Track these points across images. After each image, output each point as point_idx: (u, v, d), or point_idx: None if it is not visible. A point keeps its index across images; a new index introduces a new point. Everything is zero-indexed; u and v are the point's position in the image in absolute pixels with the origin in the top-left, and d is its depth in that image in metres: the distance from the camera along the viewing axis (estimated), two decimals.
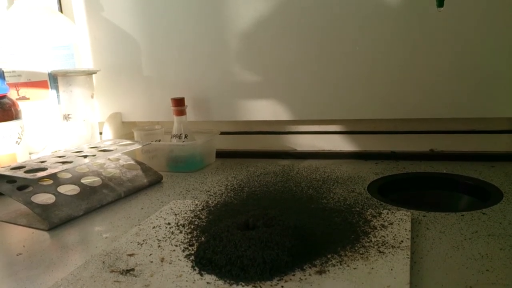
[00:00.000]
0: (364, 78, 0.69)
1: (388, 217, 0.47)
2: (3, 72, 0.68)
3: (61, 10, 0.85)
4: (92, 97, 0.76)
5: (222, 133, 0.79)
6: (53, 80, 0.76)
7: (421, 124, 0.72)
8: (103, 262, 0.42)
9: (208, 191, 0.62)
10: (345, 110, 0.71)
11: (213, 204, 0.55)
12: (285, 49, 0.71)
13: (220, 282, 0.37)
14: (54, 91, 0.76)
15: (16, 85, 0.75)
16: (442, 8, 0.54)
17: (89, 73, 0.75)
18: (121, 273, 0.40)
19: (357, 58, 0.69)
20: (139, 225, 0.50)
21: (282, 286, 0.36)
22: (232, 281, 0.37)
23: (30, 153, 0.73)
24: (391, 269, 0.37)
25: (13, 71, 0.75)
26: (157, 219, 0.51)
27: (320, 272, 0.37)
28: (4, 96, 0.68)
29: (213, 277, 0.38)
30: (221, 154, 0.79)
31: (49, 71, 0.75)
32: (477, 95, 0.65)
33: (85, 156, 0.63)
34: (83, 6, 0.80)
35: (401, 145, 0.73)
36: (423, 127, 0.72)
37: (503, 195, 0.54)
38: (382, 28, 0.67)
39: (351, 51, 0.69)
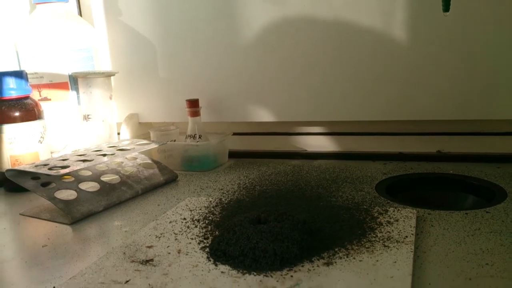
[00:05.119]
0: (373, 81, 0.71)
1: (394, 214, 0.49)
2: (26, 74, 0.71)
3: (80, 14, 0.88)
4: (110, 98, 0.79)
5: (235, 134, 0.82)
6: (73, 81, 0.79)
7: (429, 126, 0.74)
8: (124, 253, 0.45)
9: (222, 189, 0.64)
10: (354, 111, 0.73)
11: (226, 201, 0.58)
12: (297, 52, 0.74)
13: (234, 272, 0.39)
14: (74, 93, 0.80)
15: (38, 87, 0.78)
16: (448, 13, 0.55)
17: (108, 75, 0.79)
18: (141, 263, 0.42)
19: (367, 62, 0.71)
20: (157, 220, 0.53)
21: (292, 276, 0.38)
22: (245, 271, 0.39)
23: (51, 152, 0.76)
24: (395, 262, 0.39)
25: (36, 73, 0.78)
26: (173, 214, 0.54)
27: (327, 264, 0.40)
28: (27, 97, 0.71)
29: (227, 267, 0.40)
30: (234, 154, 0.81)
31: (70, 73, 0.79)
32: (484, 97, 0.67)
33: (104, 155, 0.66)
34: (102, 11, 0.83)
35: (409, 147, 0.75)
36: (431, 128, 0.74)
37: (507, 194, 0.55)
38: (391, 32, 0.68)
39: (361, 54, 0.71)
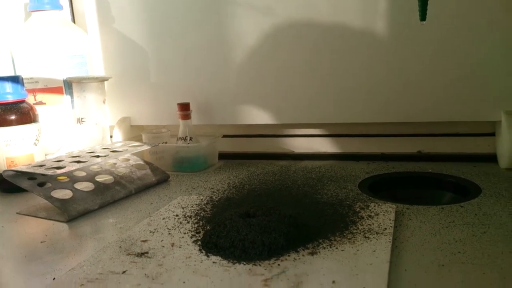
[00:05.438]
0: (357, 86, 0.74)
1: (374, 209, 0.52)
2: (22, 79, 0.73)
3: (74, 22, 0.90)
4: (104, 102, 0.81)
5: (225, 136, 0.85)
6: (67, 86, 0.81)
7: (410, 128, 0.77)
8: (120, 247, 0.47)
9: (212, 188, 0.67)
10: (339, 114, 0.76)
11: (216, 199, 0.60)
12: (284, 58, 0.77)
13: (225, 262, 0.42)
14: (68, 97, 0.82)
15: (33, 91, 0.80)
16: (424, 22, 0.58)
17: (102, 80, 0.81)
18: (137, 255, 0.45)
19: (351, 67, 0.74)
20: (150, 216, 0.55)
21: (279, 265, 0.41)
22: (235, 261, 0.42)
23: (46, 154, 0.78)
24: (374, 251, 0.42)
25: (31, 78, 0.80)
26: (166, 211, 0.57)
27: (312, 254, 0.43)
28: (23, 101, 0.73)
29: (218, 258, 0.43)
30: (224, 156, 0.84)
31: (64, 78, 0.81)
32: (461, 101, 0.70)
33: (98, 156, 0.68)
34: (95, 18, 0.86)
35: (391, 147, 0.78)
36: (412, 130, 0.77)
37: (482, 191, 0.59)
38: (372, 37, 0.72)
39: (346, 61, 0.74)
